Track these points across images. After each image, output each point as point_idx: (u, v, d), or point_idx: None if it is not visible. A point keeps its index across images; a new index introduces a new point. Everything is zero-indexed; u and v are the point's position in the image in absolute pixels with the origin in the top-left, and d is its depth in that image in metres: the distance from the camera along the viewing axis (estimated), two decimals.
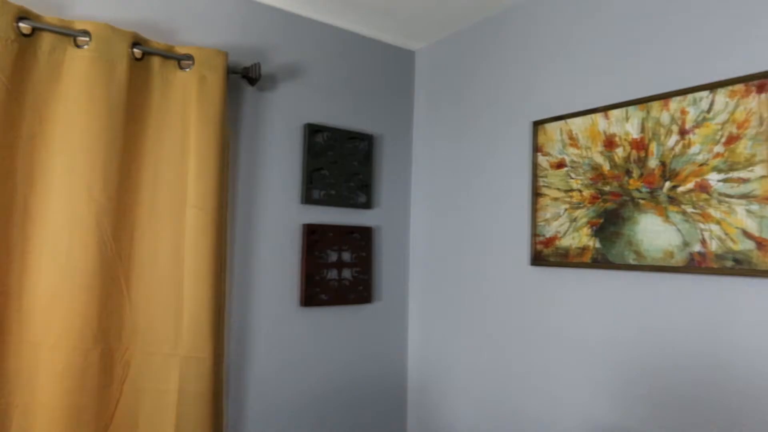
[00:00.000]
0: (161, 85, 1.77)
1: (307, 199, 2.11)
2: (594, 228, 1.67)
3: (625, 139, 1.61)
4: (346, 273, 2.22)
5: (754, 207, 1.32)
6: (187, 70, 1.78)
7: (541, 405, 1.83)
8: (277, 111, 2.07)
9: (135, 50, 1.68)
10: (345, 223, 2.23)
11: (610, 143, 1.65)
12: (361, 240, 2.27)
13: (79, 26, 1.60)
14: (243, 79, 1.95)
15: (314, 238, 2.12)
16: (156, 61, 1.75)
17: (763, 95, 1.32)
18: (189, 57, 1.77)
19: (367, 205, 2.29)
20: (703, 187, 1.42)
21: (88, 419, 1.59)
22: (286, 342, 2.06)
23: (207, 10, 1.92)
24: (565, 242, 1.75)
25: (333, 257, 2.18)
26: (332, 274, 2.17)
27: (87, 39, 1.59)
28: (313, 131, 2.13)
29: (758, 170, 1.32)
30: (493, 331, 2.03)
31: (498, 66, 2.08)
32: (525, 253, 1.91)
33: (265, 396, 1.99)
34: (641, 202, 1.55)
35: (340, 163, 2.21)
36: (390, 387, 2.36)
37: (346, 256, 2.22)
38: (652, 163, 1.54)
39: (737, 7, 1.40)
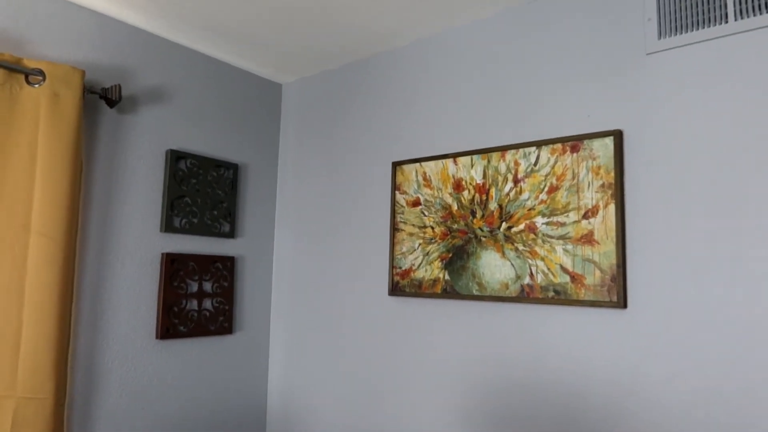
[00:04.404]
0: (5, 100, 1.63)
1: (168, 227, 2.05)
2: (444, 261, 1.86)
3: (471, 184, 1.83)
4: (207, 303, 2.18)
5: (569, 247, 1.59)
6: (37, 86, 1.67)
7: (400, 428, 1.95)
8: (138, 135, 2.00)
9: None
10: (207, 252, 2.20)
11: (458, 186, 1.86)
12: (224, 270, 2.24)
13: None
14: (101, 99, 1.87)
15: (174, 267, 2.05)
16: None
17: (575, 154, 1.61)
18: (39, 72, 1.66)
19: (231, 234, 2.28)
20: (532, 228, 1.67)
21: None
22: (141, 377, 1.95)
23: (63, 23, 1.82)
24: (420, 274, 1.92)
25: (194, 287, 2.13)
26: (192, 304, 2.12)
27: None
28: (176, 158, 2.09)
29: (572, 216, 1.60)
30: (355, 359, 2.12)
31: (363, 107, 2.24)
32: (385, 283, 2.05)
33: None
34: (483, 239, 1.78)
35: (204, 191, 2.18)
36: (250, 418, 2.33)
37: (208, 287, 2.18)
38: (492, 205, 1.77)
39: (560, 81, 1.70)
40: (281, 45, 2.16)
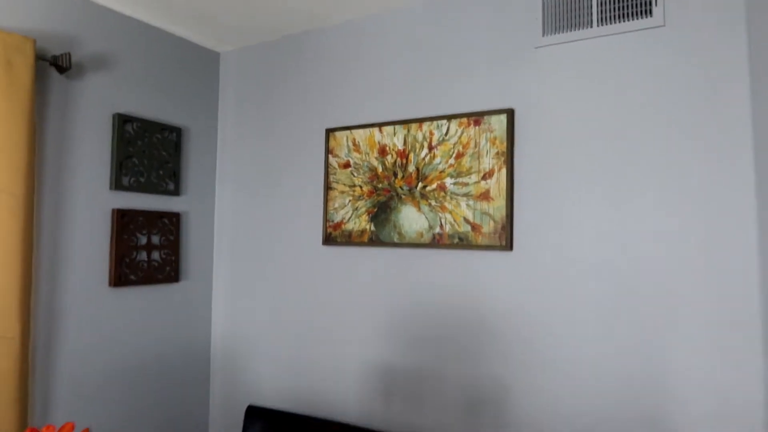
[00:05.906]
0: None
1: (117, 185, 2.22)
2: (370, 215, 2.19)
3: (393, 149, 2.15)
4: (155, 255, 2.39)
5: (471, 202, 1.96)
6: None
7: (331, 354, 2.30)
8: (87, 100, 2.14)
9: None
10: (154, 208, 2.40)
11: (383, 151, 2.18)
12: (170, 224, 2.45)
13: None
14: (51, 66, 1.99)
15: (125, 222, 2.24)
16: None
17: (477, 127, 1.96)
18: None
19: (176, 192, 2.48)
20: (442, 188, 2.03)
21: None
22: (96, 320, 2.16)
23: None
24: (349, 226, 2.24)
25: (143, 240, 2.33)
26: (142, 255, 2.33)
27: None
28: (123, 121, 2.25)
29: (473, 177, 1.96)
30: (292, 300, 2.44)
31: (299, 78, 2.48)
32: (319, 235, 2.35)
33: (74, 373, 2.08)
34: (403, 196, 2.11)
35: (150, 152, 2.36)
36: (195, 356, 2.60)
37: (155, 239, 2.39)
38: (411, 168, 2.10)
39: (467, 66, 2.03)
40: (220, 17, 2.34)
